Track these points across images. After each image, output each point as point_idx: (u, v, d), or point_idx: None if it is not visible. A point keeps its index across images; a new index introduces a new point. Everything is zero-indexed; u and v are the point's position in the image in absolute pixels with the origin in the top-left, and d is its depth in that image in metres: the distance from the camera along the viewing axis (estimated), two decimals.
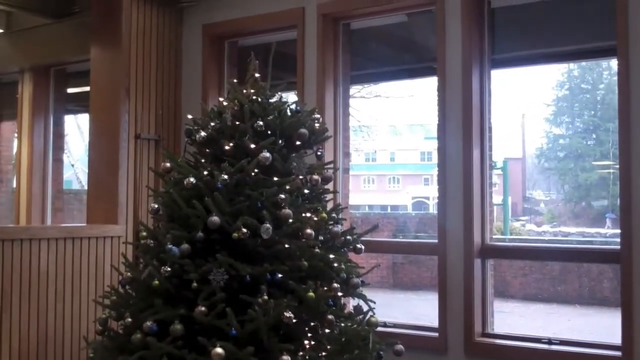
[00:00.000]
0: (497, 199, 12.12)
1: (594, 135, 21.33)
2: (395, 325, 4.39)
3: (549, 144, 22.33)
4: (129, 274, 3.29)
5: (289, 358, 2.87)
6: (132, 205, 5.37)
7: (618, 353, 3.77)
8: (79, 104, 7.88)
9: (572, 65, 20.76)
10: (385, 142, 23.05)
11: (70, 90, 7.53)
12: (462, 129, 4.29)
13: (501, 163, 12.91)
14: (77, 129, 14.49)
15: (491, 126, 4.46)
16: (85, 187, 7.83)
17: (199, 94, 5.53)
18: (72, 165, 16.13)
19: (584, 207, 21.03)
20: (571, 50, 4.34)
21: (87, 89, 6.22)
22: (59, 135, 7.32)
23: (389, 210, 21.49)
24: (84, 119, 7.96)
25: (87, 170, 5.92)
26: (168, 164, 3.43)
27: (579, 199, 21.10)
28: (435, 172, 4.89)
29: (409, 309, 10.88)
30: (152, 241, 3.33)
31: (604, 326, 8.91)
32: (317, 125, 3.48)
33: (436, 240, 4.37)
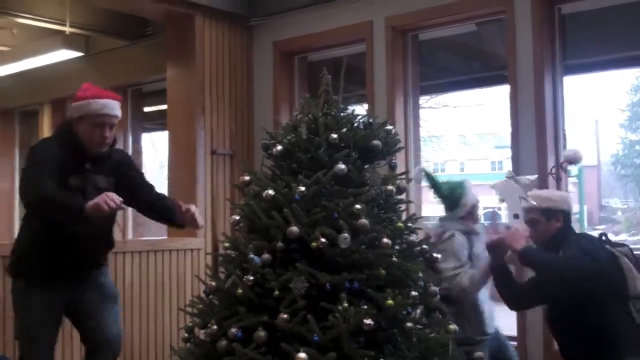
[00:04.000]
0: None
1: None
2: None
3: (624, 150, 21.72)
4: (213, 283, 3.40)
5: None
6: (210, 218, 5.55)
7: None
8: (154, 122, 8.17)
9: None
10: (454, 152, 22.86)
11: (146, 109, 7.81)
12: (536, 136, 4.29)
13: (576, 171, 12.62)
14: (151, 146, 14.89)
15: (565, 133, 4.44)
16: None
17: (270, 109, 5.68)
18: None
19: None
20: None
21: (162, 107, 6.47)
22: (138, 152, 7.59)
23: None
24: (158, 136, 8.22)
25: (162, 186, 6.11)
26: (247, 177, 3.54)
27: None
28: None
29: None
30: (233, 252, 3.45)
31: None
32: (389, 137, 3.55)
33: None
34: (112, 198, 3.00)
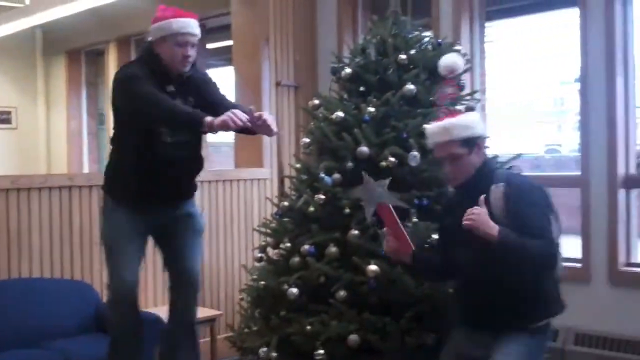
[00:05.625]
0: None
1: None
2: None
3: None
4: (285, 203, 3.53)
5: None
6: (276, 149, 5.65)
7: None
8: (218, 58, 8.26)
9: None
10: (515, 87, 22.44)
11: (209, 46, 7.89)
12: (605, 55, 4.21)
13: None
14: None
15: (634, 62, 4.31)
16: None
17: (335, 39, 5.70)
18: None
19: None
20: None
21: (225, 43, 6.53)
22: None
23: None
24: (219, 72, 8.31)
25: None
26: (316, 101, 3.62)
27: None
28: (569, 117, 4.87)
29: None
30: (304, 175, 3.56)
31: None
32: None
33: (579, 172, 4.36)
34: (239, 116, 3.01)
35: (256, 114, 3.12)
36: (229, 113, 3.02)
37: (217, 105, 3.26)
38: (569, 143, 7.79)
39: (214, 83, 3.44)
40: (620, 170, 4.21)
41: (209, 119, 3.02)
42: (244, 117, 3.03)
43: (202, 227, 3.60)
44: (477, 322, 2.76)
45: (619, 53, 4.24)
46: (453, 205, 2.84)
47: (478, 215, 2.51)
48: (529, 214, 2.57)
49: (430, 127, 2.83)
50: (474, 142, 2.72)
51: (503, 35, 5.06)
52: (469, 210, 2.53)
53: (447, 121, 2.74)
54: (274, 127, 3.17)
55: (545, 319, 2.72)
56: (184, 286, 3.53)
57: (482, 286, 2.69)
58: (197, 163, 3.48)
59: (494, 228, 2.50)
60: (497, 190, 2.63)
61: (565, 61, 4.66)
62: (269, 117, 3.16)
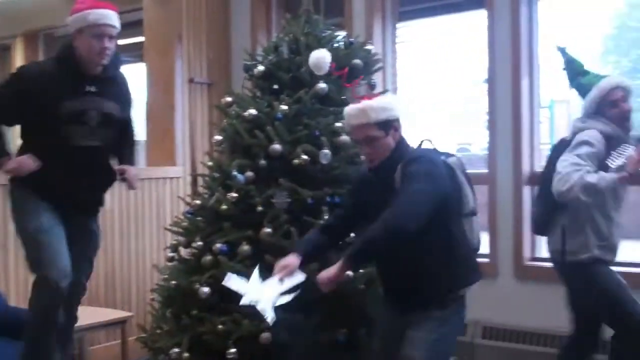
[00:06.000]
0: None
1: None
2: None
3: None
4: (197, 202, 3.48)
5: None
6: (189, 147, 5.58)
7: None
8: (129, 54, 8.08)
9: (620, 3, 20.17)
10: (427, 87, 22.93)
11: (120, 42, 7.70)
12: (511, 56, 4.35)
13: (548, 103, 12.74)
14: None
15: (538, 63, 4.46)
16: None
17: (248, 37, 5.67)
18: None
19: None
20: None
21: (136, 39, 6.39)
22: None
23: None
24: (130, 69, 8.14)
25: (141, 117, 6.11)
26: (229, 99, 3.60)
27: None
28: (479, 116, 5.01)
29: None
30: (216, 173, 3.53)
31: None
32: (369, 56, 3.62)
33: (486, 170, 4.49)
34: (25, 164, 3.06)
35: (117, 168, 3.27)
36: (16, 160, 3.09)
37: (120, 130, 3.34)
38: (479, 142, 8.00)
39: (130, 106, 3.44)
40: (525, 168, 4.36)
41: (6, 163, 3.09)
42: (30, 165, 3.06)
43: (99, 245, 3.51)
44: (395, 303, 2.83)
45: (524, 54, 4.39)
46: (367, 182, 2.84)
47: (323, 279, 2.68)
48: (404, 189, 2.58)
49: (348, 109, 2.79)
50: (390, 125, 2.72)
51: (415, 36, 5.14)
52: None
53: (365, 103, 2.71)
54: (134, 185, 3.29)
55: (454, 291, 2.75)
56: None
57: (393, 267, 2.75)
58: (106, 172, 3.36)
59: (334, 268, 2.66)
60: (399, 170, 2.66)
61: (475, 61, 4.77)
62: (131, 172, 3.26)
